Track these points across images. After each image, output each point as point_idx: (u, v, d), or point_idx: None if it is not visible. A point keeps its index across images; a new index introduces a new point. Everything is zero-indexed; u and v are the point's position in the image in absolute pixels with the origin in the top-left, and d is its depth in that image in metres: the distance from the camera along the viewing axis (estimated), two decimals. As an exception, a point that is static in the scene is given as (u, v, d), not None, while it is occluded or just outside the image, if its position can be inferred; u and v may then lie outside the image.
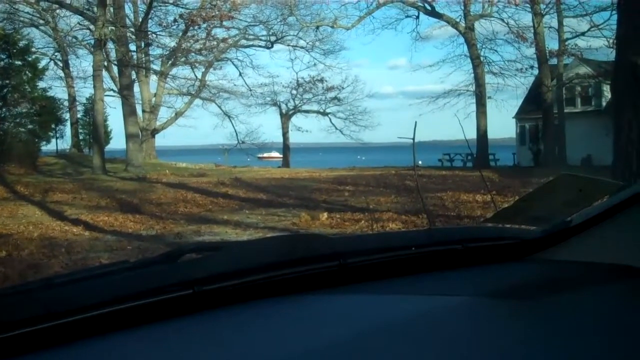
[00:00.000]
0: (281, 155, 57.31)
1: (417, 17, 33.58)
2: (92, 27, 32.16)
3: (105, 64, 33.35)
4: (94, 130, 27.49)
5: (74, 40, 35.71)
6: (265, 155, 54.16)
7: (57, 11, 33.99)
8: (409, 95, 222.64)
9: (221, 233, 11.05)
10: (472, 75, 32.33)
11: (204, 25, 32.13)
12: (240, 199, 16.96)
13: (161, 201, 16.66)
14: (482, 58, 32.21)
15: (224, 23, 32.72)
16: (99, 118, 26.22)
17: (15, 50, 24.96)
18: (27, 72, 26.39)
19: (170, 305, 1.22)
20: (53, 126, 32.79)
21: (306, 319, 1.28)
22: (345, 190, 18.64)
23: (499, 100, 32.43)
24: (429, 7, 32.73)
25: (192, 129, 69.68)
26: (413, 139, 6.51)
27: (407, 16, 34.00)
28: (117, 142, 46.27)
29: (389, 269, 1.50)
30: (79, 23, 33.67)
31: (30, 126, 25.75)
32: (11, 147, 23.68)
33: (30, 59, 27.17)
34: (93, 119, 27.42)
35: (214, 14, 31.83)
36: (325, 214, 11.87)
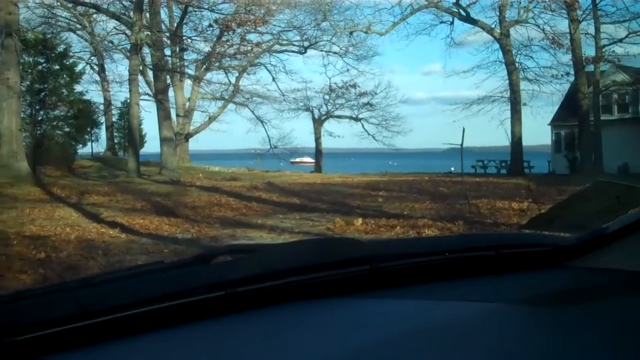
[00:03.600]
0: (313, 160, 57.53)
1: (452, 23, 33.43)
2: (128, 31, 32.74)
3: (141, 68, 33.83)
4: (129, 134, 27.77)
5: (110, 44, 36.23)
6: (298, 160, 54.06)
7: (94, 16, 34.53)
8: (441, 101, 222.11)
9: (256, 237, 11.05)
10: (507, 81, 32.05)
11: (239, 30, 32.28)
12: (273, 203, 16.98)
13: (196, 204, 16.74)
14: (517, 64, 31.90)
15: (259, 28, 32.82)
16: (134, 122, 26.49)
17: (53, 55, 25.35)
18: (64, 75, 26.78)
19: (203, 306, 1.24)
20: (89, 129, 33.14)
21: (337, 323, 1.27)
22: (378, 195, 18.57)
23: (534, 107, 32.13)
24: (463, 13, 32.53)
25: (226, 133, 69.97)
26: (461, 145, 6.44)
27: (442, 22, 33.87)
28: (151, 145, 46.59)
29: (421, 274, 1.50)
30: (115, 28, 34.18)
31: (67, 129, 26.09)
32: (48, 150, 24.02)
33: (67, 62, 27.56)
34: (128, 122, 27.69)
35: (248, 19, 31.94)
36: (360, 220, 11.80)
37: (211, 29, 33.11)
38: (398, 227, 11.07)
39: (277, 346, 1.17)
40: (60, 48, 27.55)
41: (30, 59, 23.73)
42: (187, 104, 37.03)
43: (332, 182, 25.18)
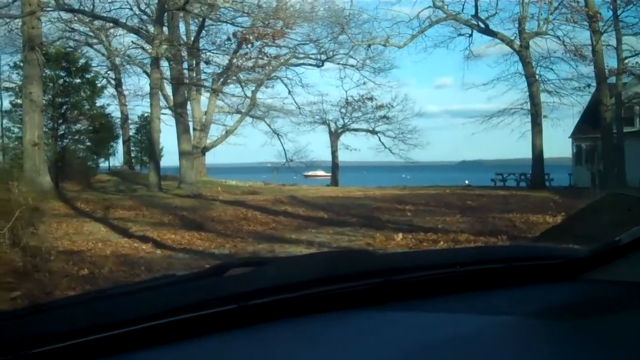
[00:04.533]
0: (327, 174, 57.28)
1: (471, 35, 33.27)
2: (145, 45, 32.75)
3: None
4: (150, 148, 27.65)
5: (127, 58, 36.19)
6: (311, 173, 53.92)
7: (110, 30, 34.54)
8: (454, 114, 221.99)
9: (296, 252, 10.85)
10: (527, 93, 31.84)
11: (258, 43, 32.22)
12: (302, 218, 16.80)
13: (222, 219, 16.59)
14: (537, 76, 31.69)
15: (277, 41, 32.74)
16: (155, 135, 26.37)
17: (74, 68, 25.33)
18: (86, 89, 26.75)
19: (215, 319, 1.24)
20: (110, 144, 33.09)
21: (350, 336, 1.27)
22: (405, 209, 18.36)
23: (554, 119, 31.80)
24: (482, 25, 32.37)
25: (241, 146, 69.93)
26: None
27: (460, 34, 33.71)
28: (167, 159, 46.43)
29: (434, 286, 1.50)
30: (132, 42, 34.15)
31: (88, 143, 26.03)
32: (69, 164, 23.93)
33: (89, 76, 27.53)
34: (150, 136, 27.58)
35: (266, 32, 31.87)
36: (400, 235, 11.60)
37: (229, 42, 33.11)
38: (442, 242, 10.85)
39: (291, 358, 1.18)
40: (82, 62, 27.46)
41: (52, 72, 23.66)
42: (204, 117, 36.95)
43: (353, 196, 24.95)
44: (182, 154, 28.51)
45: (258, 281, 1.38)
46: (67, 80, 25.54)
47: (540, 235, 10.92)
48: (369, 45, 34.76)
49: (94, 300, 1.40)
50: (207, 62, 33.11)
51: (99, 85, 29.49)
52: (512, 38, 31.66)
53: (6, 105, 24.68)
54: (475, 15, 32.33)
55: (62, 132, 24.44)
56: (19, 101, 23.29)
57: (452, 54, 65.14)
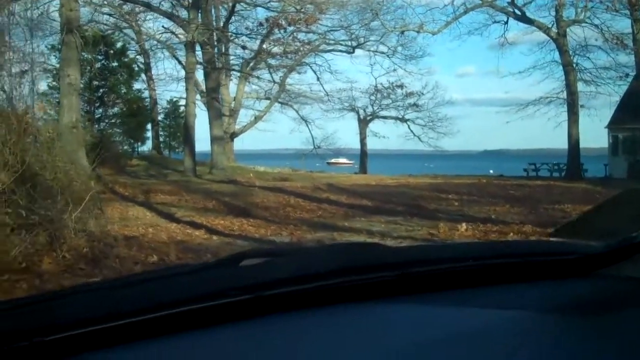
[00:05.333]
0: (350, 161, 57.06)
1: (506, 23, 32.76)
2: (175, 30, 32.57)
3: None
4: (185, 132, 27.52)
5: (157, 43, 35.99)
6: (334, 160, 53.65)
7: (140, 15, 34.33)
8: (476, 102, 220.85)
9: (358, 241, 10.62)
10: (563, 82, 31.35)
11: (290, 28, 31.93)
12: (345, 205, 16.56)
13: (266, 205, 16.40)
14: (574, 65, 31.16)
15: (308, 27, 32.44)
16: (191, 120, 26.24)
17: (112, 52, 25.17)
18: (122, 73, 26.60)
19: (231, 309, 1.24)
20: (146, 127, 32.95)
21: (365, 328, 1.27)
22: (449, 199, 18.06)
23: (591, 109, 31.19)
24: (518, 12, 31.87)
25: (267, 133, 69.63)
26: None
27: (495, 22, 33.21)
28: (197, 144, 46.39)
29: (450, 280, 1.48)
30: (162, 26, 33.94)
31: (124, 127, 25.92)
32: (106, 148, 23.81)
33: (126, 60, 27.37)
34: (185, 121, 27.43)
35: (299, 17, 31.56)
36: (464, 225, 11.33)
37: (261, 27, 32.84)
38: (511, 234, 10.54)
39: (305, 350, 1.18)
40: (119, 45, 27.30)
41: (90, 56, 23.48)
42: (233, 103, 36.78)
43: (387, 184, 24.71)
44: (213, 139, 28.38)
45: (274, 272, 1.39)
46: (104, 63, 25.38)
47: (556, 230, 10.71)
48: (402, 32, 34.39)
49: (108, 288, 1.42)
50: (244, 47, 32.83)
51: (135, 69, 29.23)
52: (549, 26, 31.14)
53: (43, 87, 24.62)
54: (512, 3, 31.83)
55: (99, 115, 24.30)
56: (56, 84, 23.11)
57: (475, 42, 64.16)
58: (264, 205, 16.37)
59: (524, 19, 31.83)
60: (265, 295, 1.27)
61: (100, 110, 24.20)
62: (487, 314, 1.34)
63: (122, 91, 26.35)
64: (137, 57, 37.50)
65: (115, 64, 26.36)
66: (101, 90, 24.37)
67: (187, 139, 26.77)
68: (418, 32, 33.56)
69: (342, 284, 1.35)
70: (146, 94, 33.28)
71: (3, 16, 9.08)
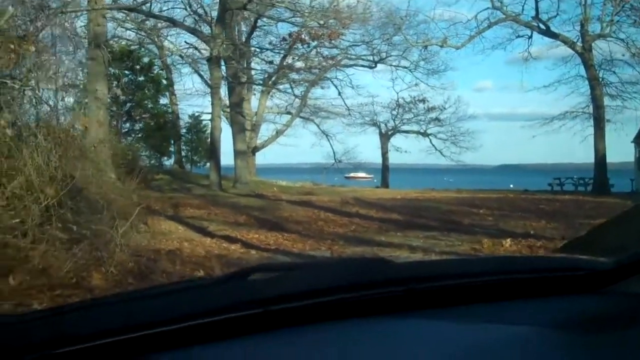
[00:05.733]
0: (369, 176, 56.88)
1: (530, 37, 32.60)
2: (198, 45, 32.69)
3: (210, 82, 33.68)
4: (211, 146, 27.49)
5: (180, 58, 36.06)
6: (352, 174, 53.50)
7: (162, 30, 34.43)
8: (493, 117, 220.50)
9: (400, 257, 10.47)
10: (589, 96, 31.11)
11: (314, 43, 31.94)
12: (377, 220, 16.40)
13: (297, 219, 16.30)
14: (600, 79, 30.91)
15: (332, 42, 32.43)
16: (216, 134, 26.23)
17: (139, 67, 25.24)
18: (149, 88, 26.67)
19: (240, 323, 1.25)
20: (172, 142, 32.97)
21: (372, 343, 1.27)
22: (480, 213, 17.87)
23: (616, 123, 30.89)
24: (543, 27, 31.71)
25: (287, 147, 69.64)
26: None
27: (519, 36, 33.06)
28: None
29: (456, 296, 1.48)
30: (185, 42, 34.04)
31: (150, 142, 25.99)
32: (133, 162, 23.82)
33: (152, 75, 27.44)
34: (211, 135, 27.40)
35: (323, 32, 31.56)
36: (509, 241, 11.14)
37: (284, 42, 32.87)
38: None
39: None
40: (145, 60, 27.40)
41: (117, 70, 23.57)
42: (254, 117, 36.79)
43: (414, 198, 24.53)
44: (237, 153, 28.36)
45: (283, 286, 1.40)
46: (131, 78, 25.45)
47: (564, 246, 10.52)
48: (426, 46, 34.29)
49: (121, 302, 1.43)
50: (270, 62, 32.85)
51: (162, 84, 29.31)
52: (575, 40, 30.94)
53: (70, 102, 24.68)
54: (536, 17, 31.69)
55: (126, 130, 24.34)
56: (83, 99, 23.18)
57: (493, 57, 64.04)
58: (295, 219, 16.26)
59: (548, 33, 31.66)
60: (274, 310, 1.28)
61: (127, 124, 24.23)
62: (493, 330, 1.34)
63: (149, 106, 26.39)
64: (160, 72, 37.78)
65: (141, 78, 26.41)
66: (128, 104, 24.40)
67: (213, 153, 26.75)
68: (441, 46, 33.45)
69: (350, 299, 1.37)
70: (169, 108, 33.34)
71: (50, 28, 9.07)
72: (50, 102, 8.84)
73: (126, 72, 24.80)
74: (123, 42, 29.54)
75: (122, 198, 8.71)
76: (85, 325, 1.21)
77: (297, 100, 37.55)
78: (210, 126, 28.61)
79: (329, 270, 1.68)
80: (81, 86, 9.85)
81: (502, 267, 1.73)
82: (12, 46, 7.62)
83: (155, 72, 28.46)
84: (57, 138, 8.18)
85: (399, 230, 14.18)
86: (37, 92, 8.70)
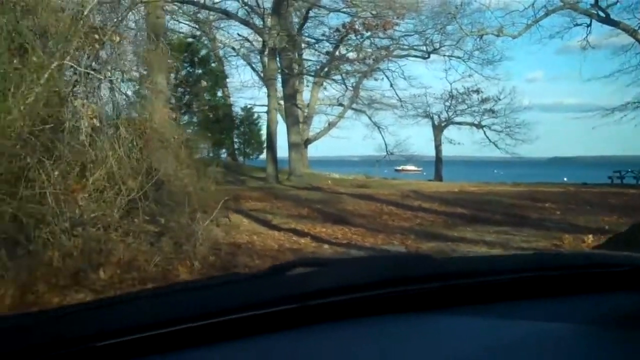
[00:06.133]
0: (419, 168, 56.33)
1: (589, 25, 31.73)
2: (250, 37, 32.71)
3: (262, 74, 33.72)
4: (267, 139, 27.49)
5: (231, 50, 36.10)
6: (401, 167, 53.07)
7: (214, 22, 34.48)
8: (545, 108, 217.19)
9: (478, 252, 10.21)
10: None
11: (367, 34, 31.65)
12: (442, 214, 16.12)
13: (361, 212, 16.12)
14: (663, 68, 29.98)
15: (384, 32, 32.09)
16: (272, 127, 26.19)
17: (197, 59, 25.31)
18: (207, 80, 26.74)
19: (278, 318, 1.25)
20: (230, 134, 33.10)
21: (410, 338, 1.27)
22: (546, 207, 17.43)
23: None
24: (602, 15, 30.84)
25: (339, 139, 69.32)
26: None
27: (577, 24, 32.21)
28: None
29: (492, 292, 1.47)
30: (237, 34, 34.07)
31: (209, 134, 25.98)
32: (192, 154, 23.93)
33: (211, 67, 27.52)
34: (267, 127, 27.36)
35: (377, 22, 31.24)
36: (591, 237, 10.78)
37: (337, 33, 32.64)
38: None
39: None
40: (203, 52, 27.49)
41: (175, 63, 23.61)
42: (306, 110, 36.69)
43: (472, 192, 24.09)
44: (292, 145, 28.27)
45: (321, 281, 1.39)
46: (189, 70, 25.53)
47: (605, 242, 10.14)
48: (481, 36, 33.63)
49: (155, 296, 1.43)
50: (327, 53, 32.66)
51: (218, 76, 29.38)
52: (636, 28, 30.02)
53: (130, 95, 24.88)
54: (595, 4, 30.81)
55: (184, 122, 24.40)
56: (142, 91, 23.34)
57: (544, 47, 62.39)
58: (358, 212, 16.08)
59: (608, 21, 30.75)
60: (311, 305, 1.29)
61: (186, 117, 24.31)
62: (529, 326, 1.33)
63: (207, 98, 26.46)
64: (212, 64, 37.92)
65: (199, 71, 26.48)
66: (186, 97, 24.48)
67: (269, 145, 26.74)
68: (498, 35, 32.74)
69: (388, 294, 1.37)
70: (225, 101, 33.43)
71: (126, 20, 9.03)
72: (129, 93, 8.81)
73: (185, 64, 24.85)
74: (177, 35, 29.71)
75: (201, 191, 8.61)
76: (124, 319, 1.21)
77: (348, 91, 37.28)
78: (266, 118, 28.53)
79: (367, 265, 1.67)
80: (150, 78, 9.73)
81: (539, 263, 1.70)
82: (96, 36, 7.59)
83: (211, 64, 28.49)
84: (138, 130, 8.13)
85: (467, 225, 13.90)
86: (114, 83, 8.68)
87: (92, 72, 7.60)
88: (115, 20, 8.40)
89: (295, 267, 1.52)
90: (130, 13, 22.51)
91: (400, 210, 16.65)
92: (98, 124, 7.35)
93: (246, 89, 51.26)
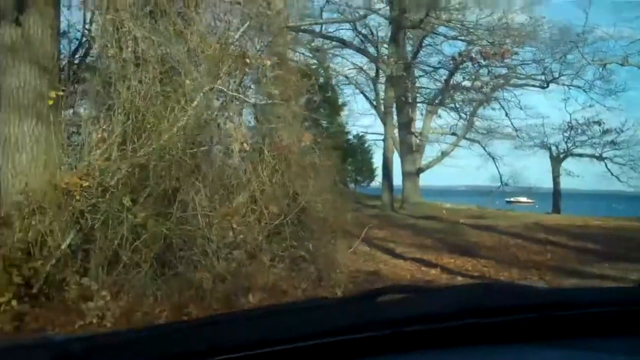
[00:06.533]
0: (530, 200, 54.54)
1: None
2: (365, 66, 32.79)
3: (374, 102, 33.75)
4: (384, 167, 27.39)
5: (342, 79, 36.24)
6: (513, 199, 51.61)
7: (329, 51, 34.81)
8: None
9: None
10: None
11: (485, 62, 31.10)
12: (574, 249, 15.31)
13: (485, 244, 15.64)
14: None
15: (504, 61, 31.42)
16: (389, 155, 26.08)
17: (318, 87, 25.58)
18: (324, 107, 26.97)
19: (368, 344, 1.24)
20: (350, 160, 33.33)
21: None
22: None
23: None
24: None
25: (453, 169, 68.53)
26: None
27: None
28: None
29: (591, 325, 1.40)
30: (351, 62, 34.22)
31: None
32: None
33: (328, 94, 27.77)
34: (384, 155, 27.25)
35: (494, 51, 30.63)
36: None
37: (453, 61, 32.24)
38: None
39: None
40: (322, 80, 27.79)
41: (306, 89, 24.00)
42: (419, 138, 36.33)
43: (599, 226, 22.95)
44: (406, 174, 28.07)
45: (412, 308, 1.39)
46: (308, 98, 25.82)
47: None
48: (604, 65, 32.38)
49: (244, 319, 1.44)
50: (447, 81, 32.32)
51: (340, 103, 29.65)
52: None
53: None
54: None
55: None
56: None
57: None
58: (483, 244, 15.59)
59: None
60: (403, 331, 1.26)
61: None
62: None
63: (326, 126, 26.65)
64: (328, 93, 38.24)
65: (316, 98, 26.73)
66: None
67: (385, 173, 26.58)
68: (622, 65, 31.46)
69: (480, 324, 1.33)
70: (344, 128, 33.65)
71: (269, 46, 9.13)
72: (270, 117, 8.85)
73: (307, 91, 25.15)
74: (296, 63, 30.17)
75: (339, 217, 8.50)
76: (232, 336, 1.24)
77: (461, 120, 36.66)
78: (379, 146, 28.46)
79: (459, 293, 1.64)
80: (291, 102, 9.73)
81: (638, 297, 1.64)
82: (247, 60, 7.67)
83: (328, 92, 28.73)
84: (281, 154, 8.12)
85: (603, 261, 13.13)
86: (257, 107, 8.73)
87: (241, 96, 7.66)
88: (261, 44, 8.46)
89: (387, 293, 1.52)
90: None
91: (527, 243, 16.03)
92: (247, 147, 7.37)
93: (356, 117, 51.54)
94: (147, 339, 1.32)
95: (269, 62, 8.04)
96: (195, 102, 7.07)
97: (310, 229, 7.93)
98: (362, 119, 59.06)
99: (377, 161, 41.87)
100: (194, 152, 7.01)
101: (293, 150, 8.27)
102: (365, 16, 28.28)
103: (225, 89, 7.47)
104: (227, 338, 1.24)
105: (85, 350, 1.22)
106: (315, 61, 35.06)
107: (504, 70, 34.53)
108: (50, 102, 7.11)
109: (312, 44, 34.02)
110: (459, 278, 10.47)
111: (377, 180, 32.51)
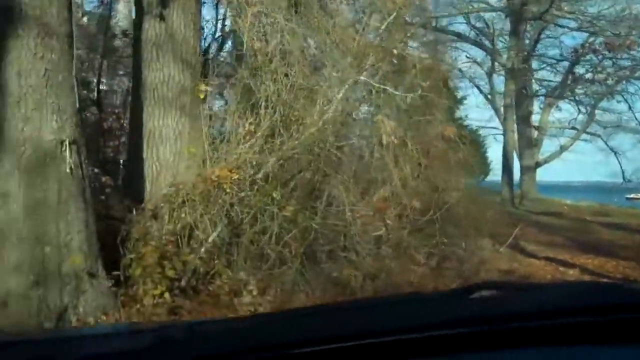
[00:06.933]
0: (650, 197, 51.79)
1: None
2: (478, 59, 31.99)
3: (489, 96, 32.87)
4: (503, 162, 26.64)
5: (458, 72, 35.49)
6: (632, 195, 49.33)
7: (439, 46, 34.10)
8: None
9: None
10: None
11: (609, 54, 29.69)
12: None
13: (621, 244, 14.81)
14: None
15: (631, 52, 29.88)
16: (509, 149, 25.34)
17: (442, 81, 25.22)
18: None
19: (463, 339, 1.22)
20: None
21: None
22: None
23: None
24: None
25: (568, 163, 66.14)
26: None
27: None
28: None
29: None
30: (466, 56, 33.50)
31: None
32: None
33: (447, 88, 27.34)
34: (504, 150, 26.49)
35: (619, 42, 29.16)
36: None
37: (575, 53, 30.97)
38: None
39: None
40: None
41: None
42: (536, 132, 35.14)
43: None
44: (524, 169, 27.23)
45: (509, 305, 1.36)
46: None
47: None
48: None
49: (335, 311, 1.47)
50: (570, 73, 31.14)
51: (456, 98, 29.12)
52: None
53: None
54: None
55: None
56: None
57: None
58: (618, 243, 14.79)
59: None
60: (499, 329, 1.24)
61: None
62: None
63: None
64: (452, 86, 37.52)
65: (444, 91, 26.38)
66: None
67: (505, 168, 25.83)
68: None
69: (579, 323, 1.27)
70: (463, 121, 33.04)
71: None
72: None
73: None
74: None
75: (482, 214, 8.19)
76: (316, 330, 1.23)
77: (581, 114, 35.18)
78: (496, 140, 27.71)
79: (558, 291, 1.59)
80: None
81: None
82: (394, 51, 7.52)
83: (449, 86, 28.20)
84: (424, 148, 7.89)
85: None
86: (399, 100, 8.53)
87: (387, 88, 7.49)
88: (404, 36, 8.27)
89: (482, 289, 1.48)
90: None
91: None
92: (395, 141, 7.19)
93: (470, 111, 50.53)
94: (249, 327, 1.34)
95: (417, 55, 7.83)
96: (341, 95, 6.93)
97: (457, 226, 7.66)
98: (473, 112, 57.77)
99: (491, 155, 40.92)
100: (340, 145, 6.88)
101: (437, 145, 8.01)
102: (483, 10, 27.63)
103: (371, 81, 7.32)
104: (321, 330, 1.25)
105: (187, 337, 1.26)
106: (431, 55, 34.65)
107: (628, 63, 32.91)
108: (202, 96, 7.15)
109: (423, 39, 33.60)
110: (604, 280, 9.92)
111: (492, 175, 31.70)
